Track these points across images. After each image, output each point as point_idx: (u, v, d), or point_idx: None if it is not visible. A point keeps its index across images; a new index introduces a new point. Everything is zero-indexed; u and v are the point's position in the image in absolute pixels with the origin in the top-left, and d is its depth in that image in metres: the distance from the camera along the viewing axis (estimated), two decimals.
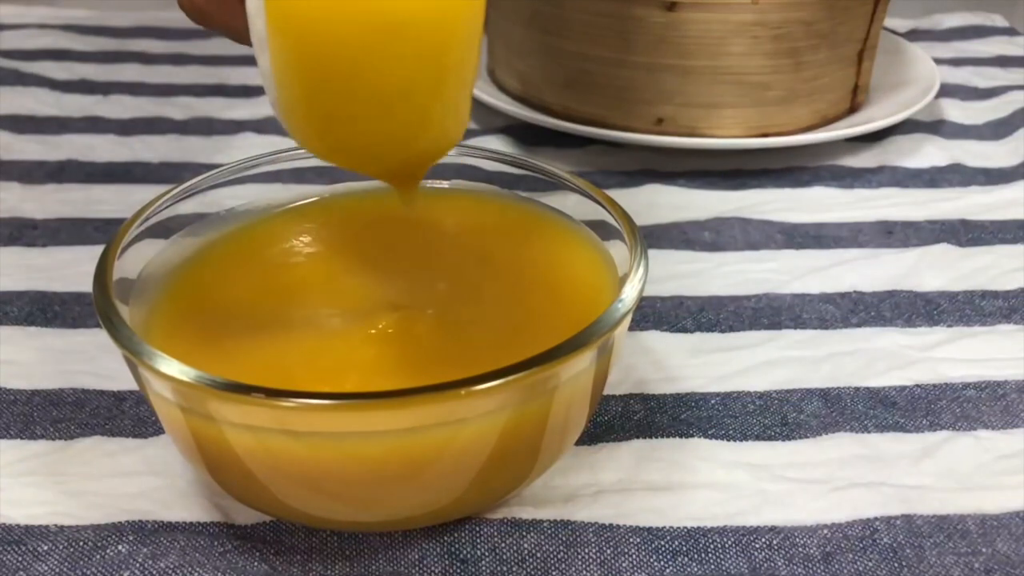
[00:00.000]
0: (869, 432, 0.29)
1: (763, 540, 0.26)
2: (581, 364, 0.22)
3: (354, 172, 0.25)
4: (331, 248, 0.29)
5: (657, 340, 0.34)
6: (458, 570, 0.25)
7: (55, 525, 0.26)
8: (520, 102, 0.49)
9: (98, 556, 0.25)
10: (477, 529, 0.26)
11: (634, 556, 0.25)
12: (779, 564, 0.25)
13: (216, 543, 0.25)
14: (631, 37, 0.44)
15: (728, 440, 0.29)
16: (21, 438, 0.29)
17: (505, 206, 0.31)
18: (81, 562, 0.25)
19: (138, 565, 0.25)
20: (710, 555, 0.25)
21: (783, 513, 0.26)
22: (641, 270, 0.24)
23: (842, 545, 0.25)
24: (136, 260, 0.26)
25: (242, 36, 0.22)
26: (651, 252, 0.38)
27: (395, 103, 0.21)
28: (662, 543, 0.26)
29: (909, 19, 0.69)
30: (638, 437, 0.29)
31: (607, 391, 0.31)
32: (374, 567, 0.25)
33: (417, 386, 0.20)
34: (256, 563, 0.25)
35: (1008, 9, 0.71)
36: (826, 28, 0.45)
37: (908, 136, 0.50)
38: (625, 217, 0.27)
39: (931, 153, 0.48)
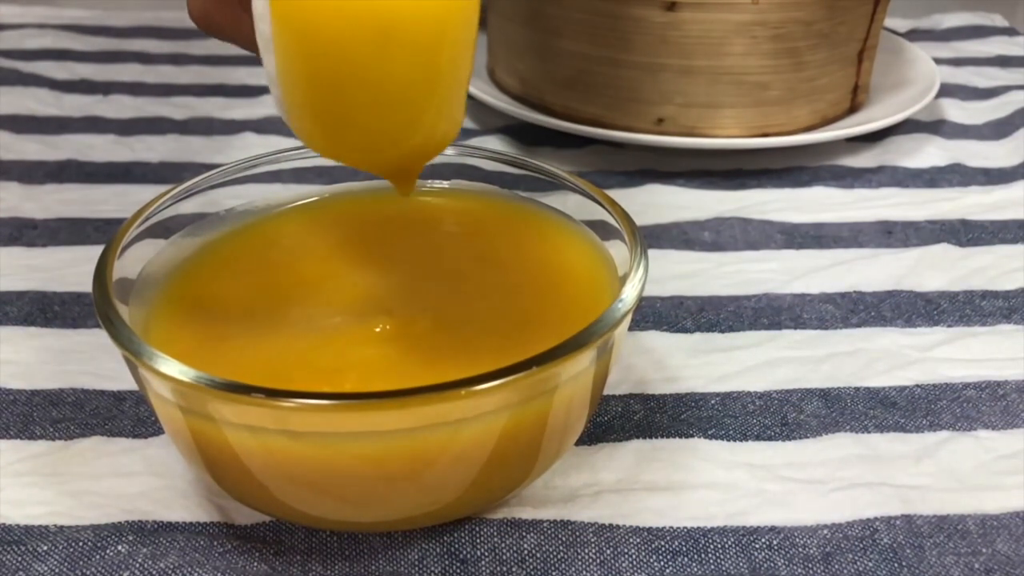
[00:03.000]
0: (869, 432, 0.29)
1: (763, 540, 0.26)
2: (581, 364, 0.22)
3: (353, 168, 0.25)
4: (331, 248, 0.29)
5: (657, 340, 0.34)
6: (458, 570, 0.25)
7: (54, 525, 0.26)
8: (520, 102, 0.49)
9: (98, 556, 0.25)
10: (477, 529, 0.26)
11: (634, 556, 0.25)
12: (779, 564, 0.25)
13: (216, 543, 0.25)
14: (631, 37, 0.44)
15: (728, 440, 0.29)
16: (21, 438, 0.29)
17: (505, 206, 0.31)
18: (81, 562, 0.25)
19: (138, 565, 0.25)
20: (710, 555, 0.25)
21: (783, 513, 0.26)
22: (641, 270, 0.24)
23: (842, 545, 0.25)
24: (136, 260, 0.26)
25: (249, 43, 0.23)
26: (651, 252, 0.38)
27: (391, 103, 0.21)
28: (662, 543, 0.26)
29: (909, 19, 0.69)
30: (638, 437, 0.29)
31: (607, 391, 0.31)
32: (374, 567, 0.25)
33: (417, 386, 0.20)
34: (256, 563, 0.25)
35: (1008, 9, 0.71)
36: (826, 28, 0.45)
37: (908, 136, 0.50)
38: (625, 217, 0.27)
39: (931, 153, 0.48)
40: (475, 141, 0.49)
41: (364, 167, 0.24)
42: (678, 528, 0.26)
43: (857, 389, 0.31)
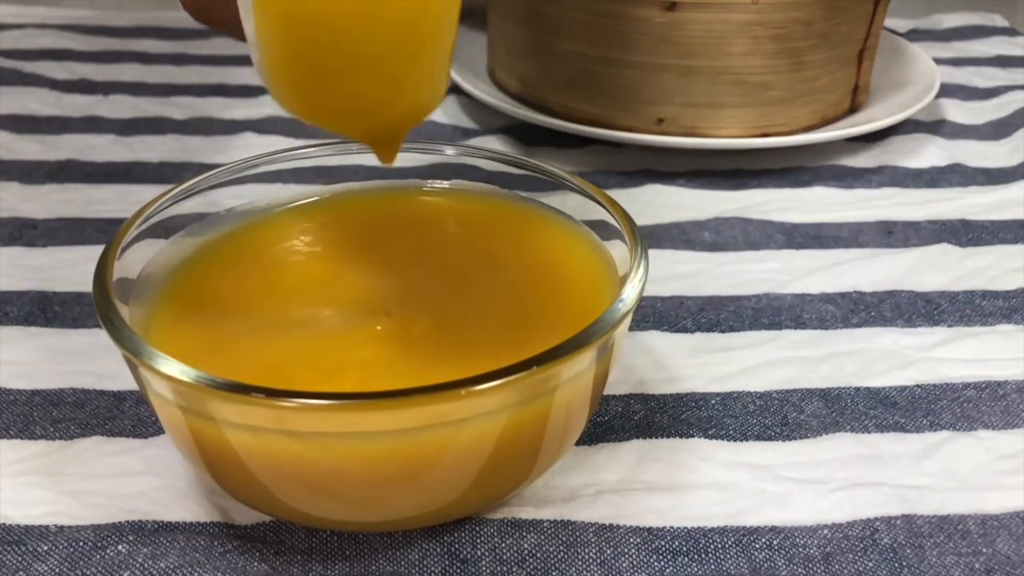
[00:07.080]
0: (869, 432, 0.29)
1: (763, 540, 0.26)
2: (581, 364, 0.22)
3: (332, 133, 0.25)
4: (331, 248, 0.29)
5: (657, 340, 0.34)
6: (458, 570, 0.25)
7: (55, 525, 0.26)
8: (520, 102, 0.49)
9: (98, 556, 0.25)
10: (477, 529, 0.26)
11: (634, 556, 0.25)
12: (779, 564, 0.25)
13: (216, 543, 0.25)
14: (631, 37, 0.44)
15: (728, 440, 0.29)
16: (21, 438, 0.29)
17: (505, 206, 0.31)
18: (81, 562, 0.25)
19: (138, 565, 0.25)
20: (710, 555, 0.25)
21: (783, 513, 0.26)
22: (641, 270, 0.24)
23: (842, 545, 0.25)
24: (136, 260, 0.26)
25: (239, 31, 0.23)
26: (651, 252, 0.38)
27: (371, 68, 0.21)
28: (662, 543, 0.26)
29: (909, 19, 0.69)
30: (638, 437, 0.29)
31: (607, 391, 0.31)
32: (374, 567, 0.25)
33: (417, 386, 0.20)
34: (256, 563, 0.25)
35: (1008, 9, 0.71)
36: (826, 28, 0.45)
37: (908, 136, 0.50)
38: (625, 217, 0.27)
39: (931, 153, 0.48)
40: (475, 141, 0.49)
41: (343, 132, 0.24)
42: (678, 528, 0.26)
43: (857, 389, 0.31)
